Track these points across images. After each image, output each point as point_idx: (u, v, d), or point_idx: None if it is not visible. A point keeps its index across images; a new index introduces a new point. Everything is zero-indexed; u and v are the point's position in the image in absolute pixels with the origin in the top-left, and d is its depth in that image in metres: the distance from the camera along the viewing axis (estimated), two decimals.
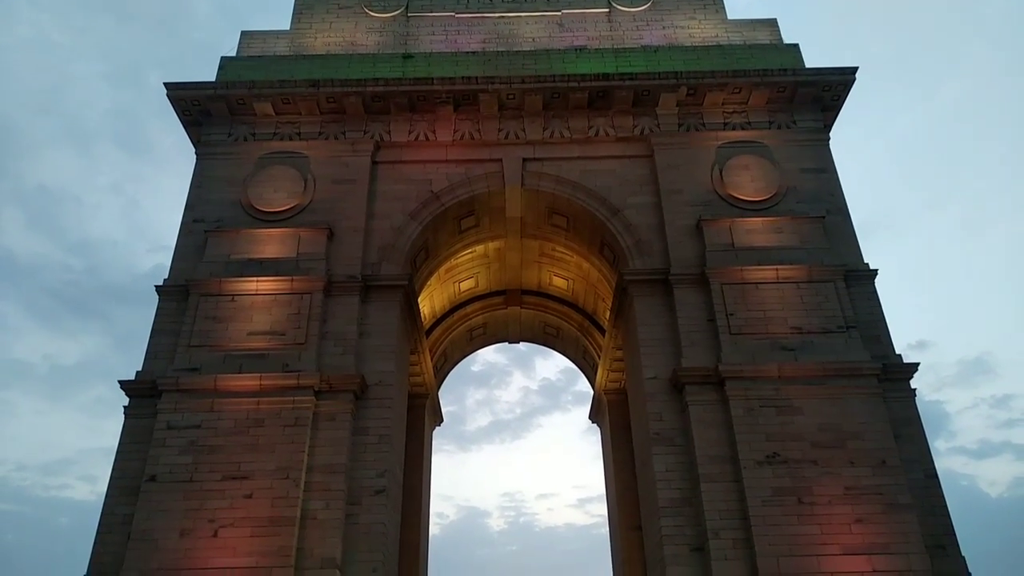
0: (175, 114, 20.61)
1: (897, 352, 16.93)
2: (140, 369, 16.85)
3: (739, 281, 17.40)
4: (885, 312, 17.58)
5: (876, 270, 18.03)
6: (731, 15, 23.84)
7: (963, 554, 14.71)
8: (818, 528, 14.45)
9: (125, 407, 16.45)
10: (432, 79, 20.14)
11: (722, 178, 19.24)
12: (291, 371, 16.32)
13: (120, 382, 16.56)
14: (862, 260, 18.22)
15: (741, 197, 18.93)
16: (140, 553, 14.36)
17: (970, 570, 14.56)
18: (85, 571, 14.67)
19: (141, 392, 16.39)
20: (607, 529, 24.66)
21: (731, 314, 16.98)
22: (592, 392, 26.15)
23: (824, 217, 18.49)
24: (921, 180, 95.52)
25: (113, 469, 15.74)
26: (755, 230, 18.31)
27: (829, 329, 16.73)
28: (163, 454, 15.39)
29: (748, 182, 19.15)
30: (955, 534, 14.90)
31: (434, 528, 26.91)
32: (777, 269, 17.50)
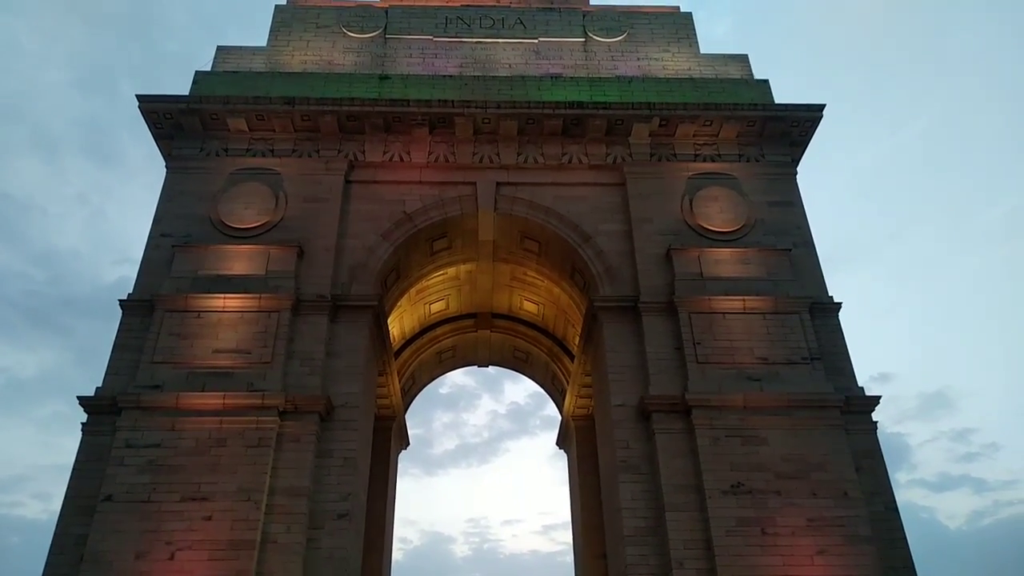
0: (146, 125, 20.39)
1: (860, 384, 17.21)
2: (100, 385, 16.47)
3: (707, 310, 17.60)
4: (848, 344, 17.90)
5: (840, 303, 18.36)
6: (704, 50, 24.36)
7: None
8: (780, 559, 14.54)
9: (83, 424, 16.05)
10: (408, 101, 20.21)
11: (692, 208, 19.52)
12: (256, 390, 16.08)
13: (79, 398, 16.17)
14: (826, 293, 18.55)
15: (710, 228, 19.21)
16: (93, 575, 13.93)
17: None
18: None
19: (100, 409, 16.01)
20: (572, 557, 24.55)
21: (698, 343, 17.14)
22: (560, 417, 26.14)
23: (791, 250, 18.83)
24: (884, 213, 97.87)
25: (68, 487, 15.30)
26: (723, 261, 18.57)
27: (794, 360, 16.96)
28: (120, 473, 15.01)
29: (717, 213, 19.45)
30: (914, 567, 15.09)
31: (397, 553, 26.64)
32: (744, 300, 17.73)
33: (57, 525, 14.89)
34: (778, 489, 15.29)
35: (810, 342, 17.24)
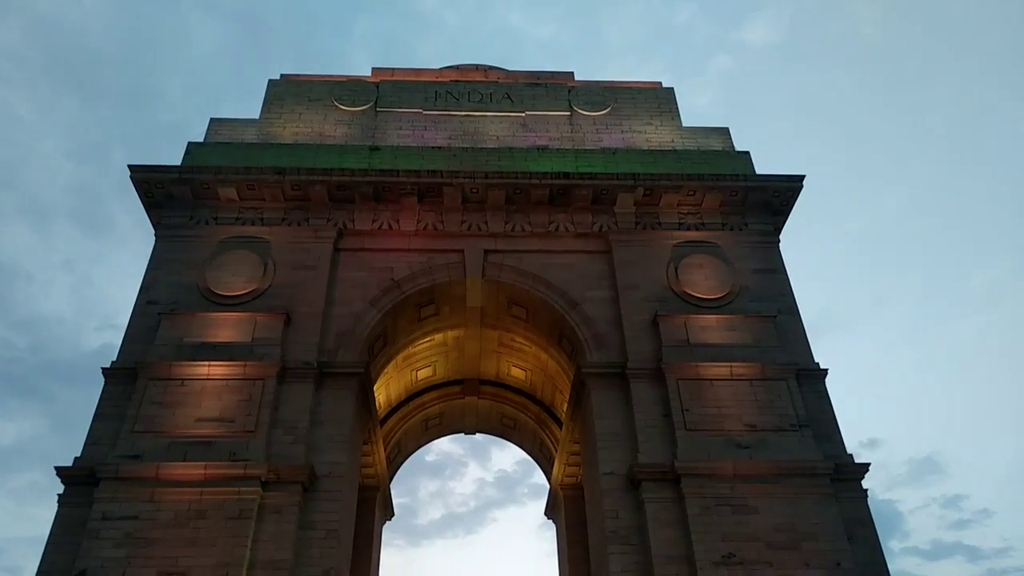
0: (136, 194, 20.60)
1: (848, 451, 17.13)
2: (79, 455, 16.14)
3: (694, 377, 17.60)
4: (836, 410, 17.88)
5: (826, 369, 18.43)
6: (686, 121, 25.07)
7: None
8: None
9: (59, 495, 15.65)
10: (398, 171, 20.58)
11: (677, 276, 19.74)
12: (238, 460, 15.80)
13: (56, 468, 15.81)
14: (812, 359, 18.64)
15: (696, 295, 19.40)
16: None
17: None
18: None
19: (78, 479, 15.64)
20: None
21: (687, 410, 17.08)
22: (548, 486, 25.74)
23: (776, 316, 18.99)
24: (869, 279, 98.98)
25: (41, 562, 14.80)
26: (709, 327, 18.68)
27: (782, 427, 16.90)
28: (95, 547, 14.57)
29: (702, 280, 19.68)
30: None
31: None
32: (731, 366, 17.78)
33: None
34: (770, 560, 15.01)
35: (798, 409, 17.22)
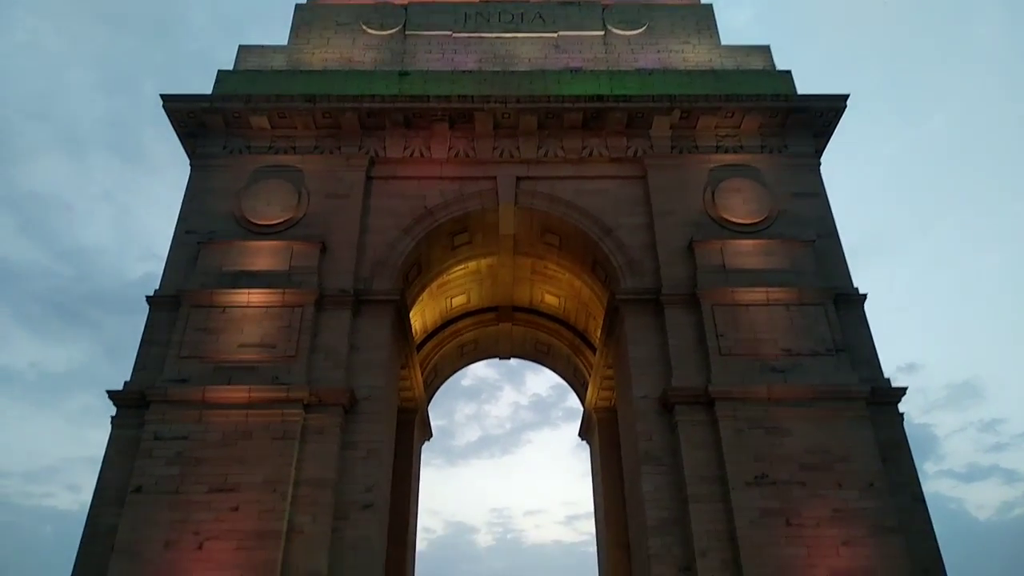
0: (170, 124, 20.68)
1: (886, 375, 17.04)
2: (128, 379, 16.77)
3: (730, 303, 17.51)
4: (874, 335, 17.72)
5: (865, 294, 18.18)
6: (724, 40, 24.18)
7: None
8: (805, 550, 14.46)
9: (112, 417, 16.34)
10: (428, 97, 20.30)
11: (714, 200, 19.42)
12: (281, 384, 16.28)
13: (108, 392, 16.46)
14: (851, 284, 18.38)
15: (733, 220, 19.10)
16: (123, 564, 14.22)
17: None
18: None
19: (129, 403, 16.30)
20: (595, 547, 24.60)
21: (721, 335, 17.07)
22: (582, 409, 26.17)
23: (815, 241, 18.67)
24: (911, 204, 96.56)
25: (98, 479, 15.61)
26: (746, 252, 18.45)
27: (818, 352, 16.83)
28: (149, 465, 15.29)
29: (740, 205, 19.33)
30: (941, 558, 14.94)
31: (421, 543, 26.76)
32: (767, 291, 17.62)
33: (88, 515, 15.20)
34: (802, 480, 15.20)
35: (835, 333, 17.09)
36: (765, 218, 19.12)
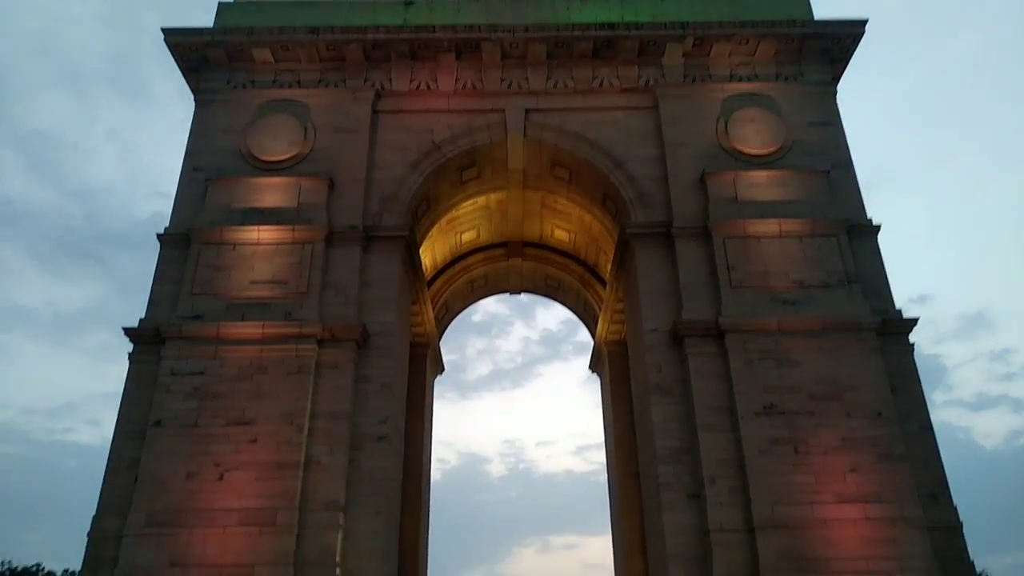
0: (173, 59, 20.32)
1: (897, 307, 17.02)
2: (143, 316, 16.95)
3: (741, 235, 17.39)
4: (887, 266, 17.62)
5: (879, 225, 18.00)
6: None
7: (955, 503, 15.01)
8: (813, 477, 14.73)
9: (129, 353, 16.59)
10: (434, 27, 19.80)
11: (727, 131, 19.07)
12: (294, 320, 16.43)
13: (124, 329, 16.67)
14: (865, 215, 18.17)
15: (745, 151, 18.78)
16: (147, 494, 14.66)
17: (962, 519, 14.89)
18: (94, 512, 14.99)
19: (144, 339, 16.51)
20: (605, 476, 25.16)
21: (732, 268, 17.01)
22: (592, 342, 26.36)
23: (829, 171, 18.38)
24: (928, 133, 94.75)
25: (119, 414, 15.95)
26: (759, 184, 18.22)
27: (830, 283, 16.78)
28: (167, 400, 15.59)
29: (753, 135, 18.98)
30: (948, 484, 15.18)
31: (435, 474, 27.41)
32: (780, 223, 17.47)
33: (111, 449, 15.59)
34: (811, 410, 15.37)
35: (847, 264, 17.00)
36: (779, 148, 18.80)
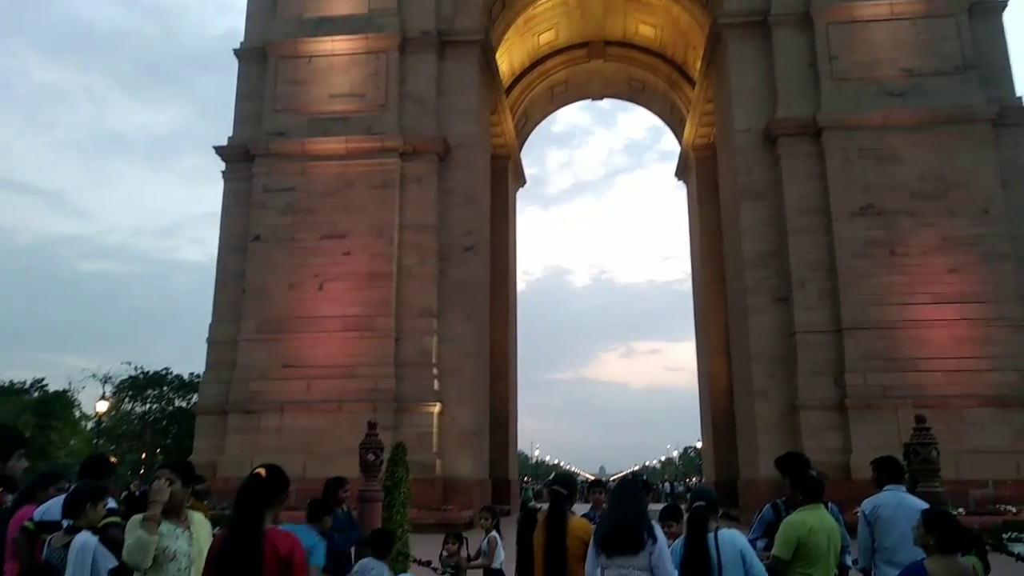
0: None
1: (1018, 95, 15.52)
2: (231, 135, 17.27)
3: (847, 19, 15.82)
4: (1011, 50, 15.86)
5: (1006, 1, 16.02)
6: None
7: None
8: (908, 278, 14.35)
9: (223, 172, 17.13)
10: None
11: None
12: (374, 134, 16.40)
13: (215, 148, 17.11)
14: None
15: None
16: (255, 305, 15.73)
17: None
18: (210, 321, 16.28)
19: (235, 157, 16.93)
20: (688, 284, 25.31)
21: (834, 58, 15.66)
22: (679, 149, 25.47)
23: None
24: None
25: (220, 230, 16.80)
26: None
27: (944, 70, 15.32)
28: (264, 216, 16.23)
29: None
30: None
31: (521, 284, 28.09)
32: (891, 3, 15.75)
33: (217, 264, 16.60)
34: (912, 209, 14.66)
35: (964, 48, 15.37)
36: None
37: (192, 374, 27.46)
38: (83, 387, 29.89)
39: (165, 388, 29.06)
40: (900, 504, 3.63)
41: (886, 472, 3.87)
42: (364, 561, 4.44)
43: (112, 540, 2.89)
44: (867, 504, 3.75)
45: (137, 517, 2.47)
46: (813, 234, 15.01)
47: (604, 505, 4.26)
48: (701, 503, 3.14)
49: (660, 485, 39.87)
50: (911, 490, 4.29)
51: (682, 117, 23.91)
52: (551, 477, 3.74)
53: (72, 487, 3.31)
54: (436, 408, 15.28)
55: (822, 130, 15.24)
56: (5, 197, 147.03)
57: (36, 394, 30.91)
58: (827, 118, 15.17)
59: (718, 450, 20.21)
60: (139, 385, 28.66)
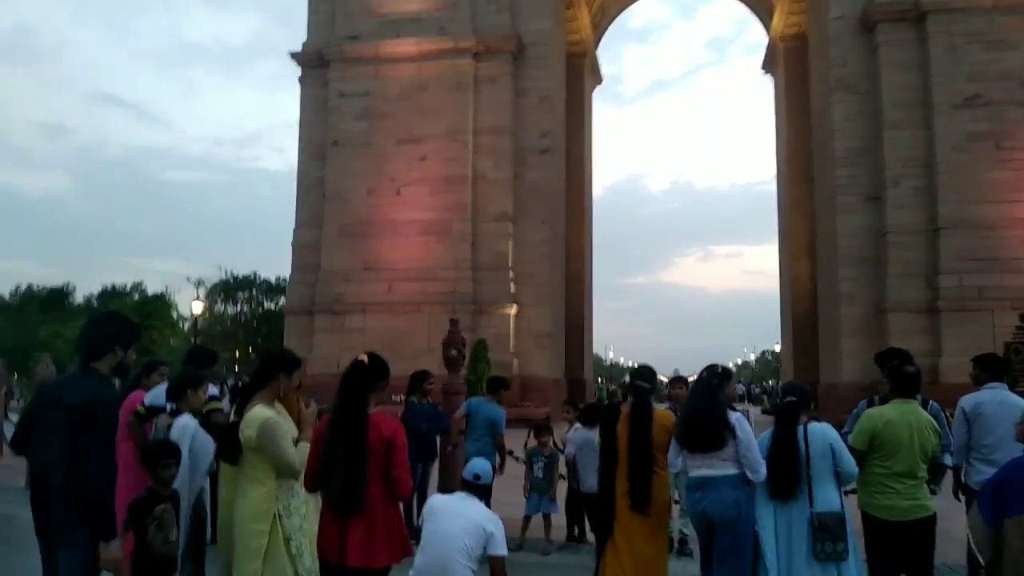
0: None
1: None
2: (305, 40, 17.21)
3: None
4: None
5: None
6: None
7: None
8: (1013, 175, 13.44)
9: (299, 78, 17.19)
10: None
11: None
12: (447, 34, 16.04)
13: (291, 53, 17.14)
14: None
15: None
16: (336, 210, 16.05)
17: None
18: (293, 226, 16.75)
19: (310, 63, 16.92)
20: (772, 185, 24.37)
21: None
22: (766, 40, 24.02)
23: None
24: None
25: (300, 137, 17.03)
26: None
27: None
28: (340, 121, 16.30)
29: None
30: None
31: (596, 188, 27.65)
32: None
33: (298, 170, 16.92)
34: (1022, 100, 13.55)
35: None
36: None
37: (279, 277, 28.63)
38: (179, 290, 31.65)
39: (254, 291, 30.47)
40: (1004, 401, 3.49)
41: (989, 369, 3.71)
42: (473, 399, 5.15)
43: (215, 425, 3.10)
44: (967, 401, 3.62)
45: (287, 428, 2.45)
46: (911, 128, 14.10)
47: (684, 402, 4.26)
48: (792, 398, 3.14)
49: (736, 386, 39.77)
50: (1012, 388, 4.11)
51: (770, 5, 22.39)
52: (634, 368, 3.74)
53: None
54: (512, 310, 15.49)
55: (926, 14, 14.07)
56: (94, 110, 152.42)
57: (137, 296, 32.89)
58: (932, 0, 13.94)
59: (798, 353, 19.91)
60: (230, 288, 30.11)
